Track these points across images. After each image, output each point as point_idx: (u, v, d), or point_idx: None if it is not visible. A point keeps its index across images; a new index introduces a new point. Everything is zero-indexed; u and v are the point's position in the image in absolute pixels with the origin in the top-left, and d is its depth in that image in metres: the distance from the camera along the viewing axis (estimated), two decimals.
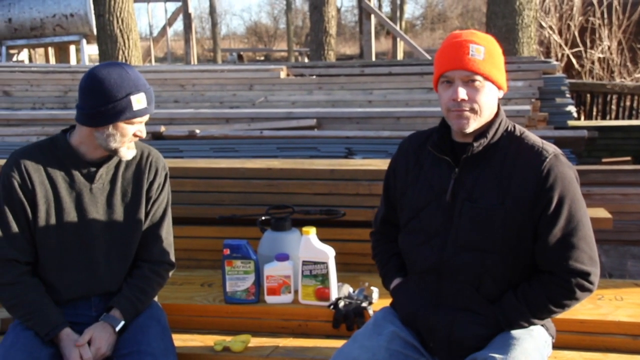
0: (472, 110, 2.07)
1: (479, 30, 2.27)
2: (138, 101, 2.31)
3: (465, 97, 2.05)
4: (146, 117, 2.38)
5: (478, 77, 2.05)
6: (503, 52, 2.17)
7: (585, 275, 2.04)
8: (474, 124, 2.08)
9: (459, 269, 2.10)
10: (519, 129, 2.16)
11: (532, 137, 2.13)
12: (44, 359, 2.25)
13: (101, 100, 2.28)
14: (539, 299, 2.07)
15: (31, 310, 2.31)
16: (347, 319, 2.67)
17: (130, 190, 2.46)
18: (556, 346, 2.30)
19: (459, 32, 2.14)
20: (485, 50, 2.07)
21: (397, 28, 15.56)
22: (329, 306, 2.72)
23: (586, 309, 2.63)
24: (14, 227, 2.34)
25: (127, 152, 2.40)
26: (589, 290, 2.06)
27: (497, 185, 2.06)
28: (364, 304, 2.70)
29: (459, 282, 2.12)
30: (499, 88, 2.12)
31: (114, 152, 2.38)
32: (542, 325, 2.16)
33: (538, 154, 2.06)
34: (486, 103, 2.08)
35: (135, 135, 2.37)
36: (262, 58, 25.11)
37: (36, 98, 7.40)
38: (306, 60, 19.56)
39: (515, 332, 2.08)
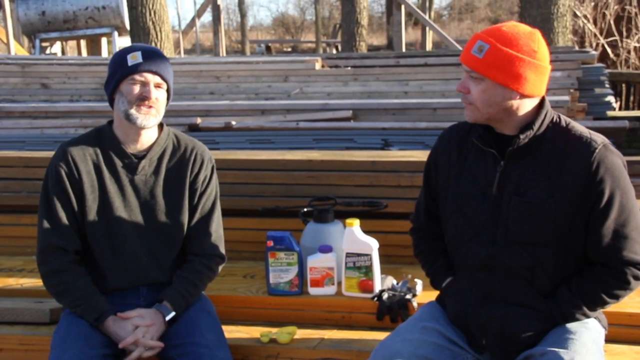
0: (469, 103, 2.06)
1: (519, 22, 2.22)
2: (133, 57, 2.34)
3: (463, 89, 2.06)
4: (150, 77, 2.35)
5: (473, 74, 2.03)
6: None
7: (639, 265, 2.03)
8: (473, 116, 2.08)
9: (510, 263, 2.08)
10: (565, 119, 2.12)
11: (579, 127, 2.09)
12: (100, 346, 2.28)
13: (108, 73, 2.41)
14: (593, 291, 2.06)
15: (78, 297, 2.35)
16: (391, 311, 2.67)
17: (174, 182, 2.48)
18: (606, 340, 2.27)
19: (499, 24, 2.10)
20: (489, 48, 1.99)
21: (427, 18, 15.43)
22: (373, 298, 2.72)
23: (634, 302, 2.59)
24: (62, 217, 2.39)
25: (142, 117, 2.37)
26: None
27: (546, 178, 2.03)
28: (408, 296, 2.69)
29: (511, 277, 2.09)
30: (511, 88, 2.00)
31: (130, 120, 2.36)
32: (595, 318, 2.15)
33: (587, 145, 2.02)
34: (481, 99, 2.03)
35: (143, 97, 2.35)
36: (290, 49, 25.07)
37: (74, 90, 7.47)
38: (334, 51, 19.50)
39: (570, 326, 2.07)
